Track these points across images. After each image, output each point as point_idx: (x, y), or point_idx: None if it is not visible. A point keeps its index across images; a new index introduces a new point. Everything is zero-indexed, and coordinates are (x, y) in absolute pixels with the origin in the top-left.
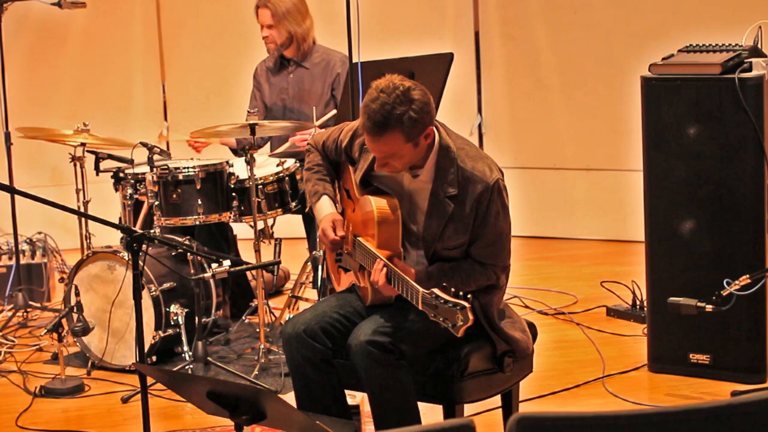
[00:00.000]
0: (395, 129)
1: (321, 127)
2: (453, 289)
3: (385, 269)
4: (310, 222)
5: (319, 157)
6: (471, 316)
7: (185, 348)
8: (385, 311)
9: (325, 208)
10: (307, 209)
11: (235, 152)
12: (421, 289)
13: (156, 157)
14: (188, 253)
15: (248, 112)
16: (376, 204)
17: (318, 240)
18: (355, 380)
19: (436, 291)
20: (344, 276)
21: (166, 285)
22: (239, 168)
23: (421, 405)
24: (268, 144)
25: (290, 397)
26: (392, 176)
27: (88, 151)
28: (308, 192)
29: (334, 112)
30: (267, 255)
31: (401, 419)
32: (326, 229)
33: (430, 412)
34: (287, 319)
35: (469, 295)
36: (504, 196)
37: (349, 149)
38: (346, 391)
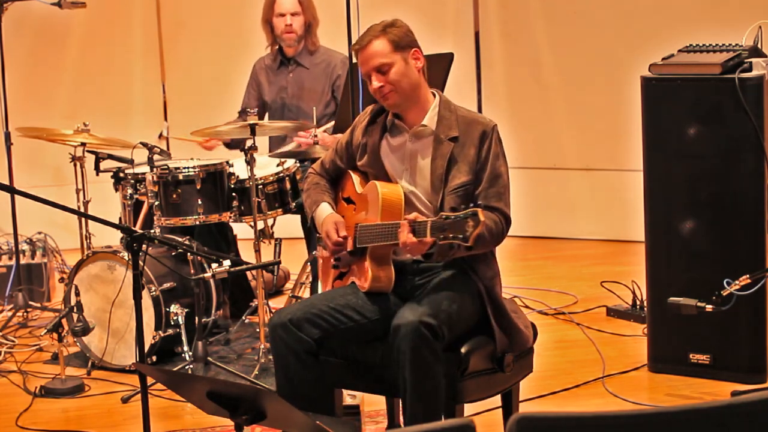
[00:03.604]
0: (380, 37)
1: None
2: (462, 206)
3: (408, 228)
4: (307, 224)
5: (319, 178)
6: (482, 218)
7: (185, 348)
8: (422, 296)
9: (325, 211)
10: (308, 223)
11: (228, 145)
12: (429, 219)
13: (156, 157)
14: (188, 253)
15: (247, 111)
16: (382, 186)
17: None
18: (348, 379)
19: (445, 213)
20: (338, 284)
21: (166, 285)
22: (239, 168)
23: None
24: (267, 144)
25: None
26: (398, 144)
27: (88, 151)
28: (307, 205)
29: (332, 123)
30: (267, 255)
31: (432, 413)
32: (329, 231)
33: None
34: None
35: (480, 201)
36: (502, 145)
37: (351, 143)
38: (346, 391)
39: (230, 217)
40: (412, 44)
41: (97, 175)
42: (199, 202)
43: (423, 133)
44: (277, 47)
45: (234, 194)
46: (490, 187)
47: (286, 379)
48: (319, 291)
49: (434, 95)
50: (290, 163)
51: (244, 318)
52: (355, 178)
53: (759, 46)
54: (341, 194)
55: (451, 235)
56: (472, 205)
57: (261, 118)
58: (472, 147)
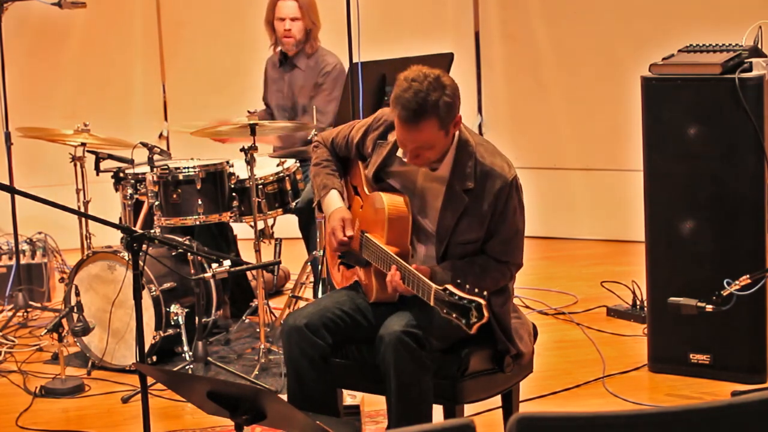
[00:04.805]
0: (431, 117)
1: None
2: (468, 286)
3: (398, 272)
4: (306, 224)
5: (328, 153)
6: (486, 313)
7: (185, 348)
8: (413, 306)
9: (334, 203)
10: (314, 204)
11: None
12: (434, 286)
13: (156, 157)
14: (188, 253)
15: (248, 112)
16: (388, 201)
17: (318, 239)
18: (354, 380)
19: (450, 287)
20: (346, 273)
21: (166, 285)
22: (239, 168)
23: None
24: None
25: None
26: (405, 173)
27: (88, 151)
28: (317, 186)
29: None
30: (267, 255)
31: (417, 420)
32: (336, 229)
33: None
34: (288, 313)
35: (485, 292)
36: (520, 193)
37: (361, 145)
38: (346, 391)
39: (230, 217)
40: (457, 111)
41: (97, 175)
42: (199, 202)
43: (437, 178)
44: (279, 47)
45: (234, 194)
46: (503, 243)
47: (298, 381)
48: (326, 284)
49: None
50: (290, 163)
51: (244, 318)
52: (363, 174)
53: (759, 46)
54: (350, 179)
55: (454, 315)
56: (477, 291)
57: (272, 117)
58: (486, 202)
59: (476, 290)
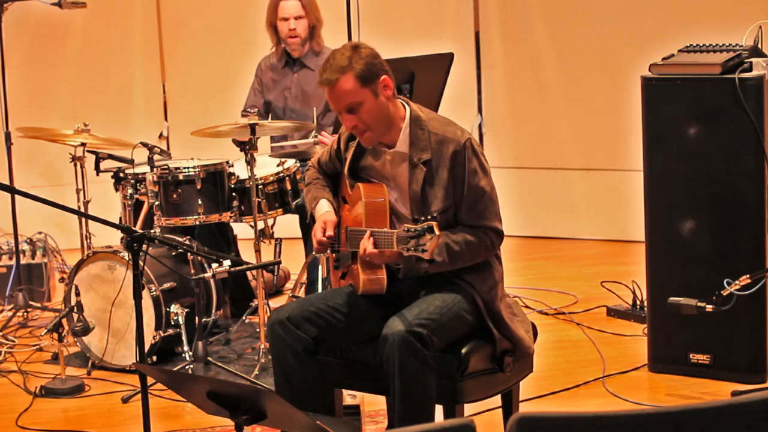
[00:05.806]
0: (346, 72)
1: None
2: (422, 218)
3: (372, 238)
4: (306, 223)
5: (317, 173)
6: (437, 231)
7: (185, 348)
8: (413, 304)
9: (322, 209)
10: (308, 220)
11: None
12: (395, 230)
13: (156, 157)
14: (188, 253)
15: (248, 111)
16: (365, 189)
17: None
18: (351, 380)
19: (408, 225)
20: (342, 283)
21: (166, 285)
22: (239, 168)
23: None
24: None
25: None
26: (375, 165)
27: (88, 151)
28: (308, 201)
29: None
30: (267, 255)
31: (422, 419)
32: (316, 230)
33: None
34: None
35: (436, 214)
36: (479, 155)
37: (339, 152)
38: (346, 391)
39: (230, 217)
40: (379, 72)
41: (98, 175)
42: (200, 202)
43: (398, 158)
44: (282, 48)
45: (234, 194)
46: (472, 208)
47: (284, 377)
48: (325, 285)
49: (404, 107)
50: (290, 163)
51: (244, 318)
52: (345, 176)
53: (759, 46)
54: (341, 192)
55: (413, 247)
56: (430, 217)
57: (266, 117)
58: (444, 169)
59: (429, 217)
